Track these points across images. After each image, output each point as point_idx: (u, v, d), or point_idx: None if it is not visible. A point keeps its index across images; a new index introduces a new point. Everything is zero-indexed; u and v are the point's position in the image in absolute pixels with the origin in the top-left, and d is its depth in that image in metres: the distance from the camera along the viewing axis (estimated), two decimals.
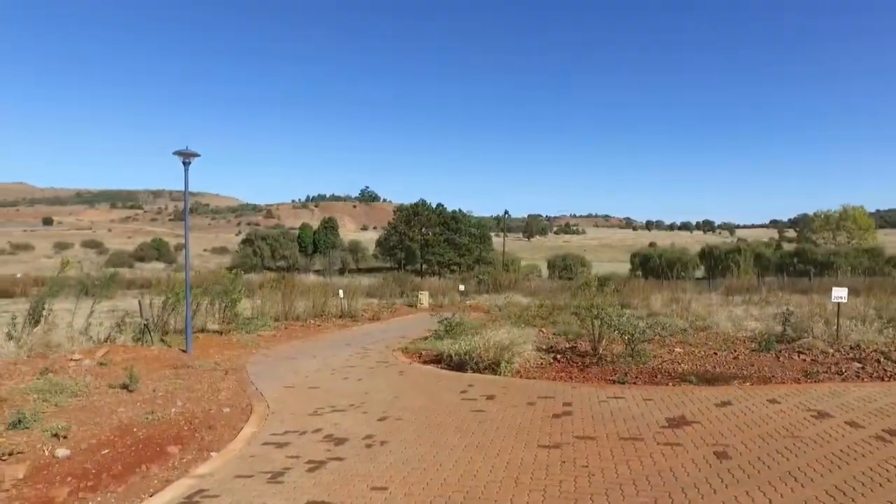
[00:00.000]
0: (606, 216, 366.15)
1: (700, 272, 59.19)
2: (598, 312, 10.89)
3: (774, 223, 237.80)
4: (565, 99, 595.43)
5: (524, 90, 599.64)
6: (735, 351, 11.41)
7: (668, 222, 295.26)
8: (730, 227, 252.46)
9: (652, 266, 59.42)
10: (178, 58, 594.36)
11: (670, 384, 8.64)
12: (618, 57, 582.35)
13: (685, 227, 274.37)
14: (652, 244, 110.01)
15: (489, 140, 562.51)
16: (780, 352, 10.96)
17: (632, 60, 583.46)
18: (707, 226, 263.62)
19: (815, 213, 76.99)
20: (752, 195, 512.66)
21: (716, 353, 11.26)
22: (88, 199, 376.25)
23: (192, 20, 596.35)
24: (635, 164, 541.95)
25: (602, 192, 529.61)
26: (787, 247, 72.09)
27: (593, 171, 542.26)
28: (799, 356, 10.50)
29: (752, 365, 9.93)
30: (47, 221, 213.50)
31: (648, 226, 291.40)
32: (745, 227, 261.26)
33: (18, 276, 49.71)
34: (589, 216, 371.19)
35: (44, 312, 11.87)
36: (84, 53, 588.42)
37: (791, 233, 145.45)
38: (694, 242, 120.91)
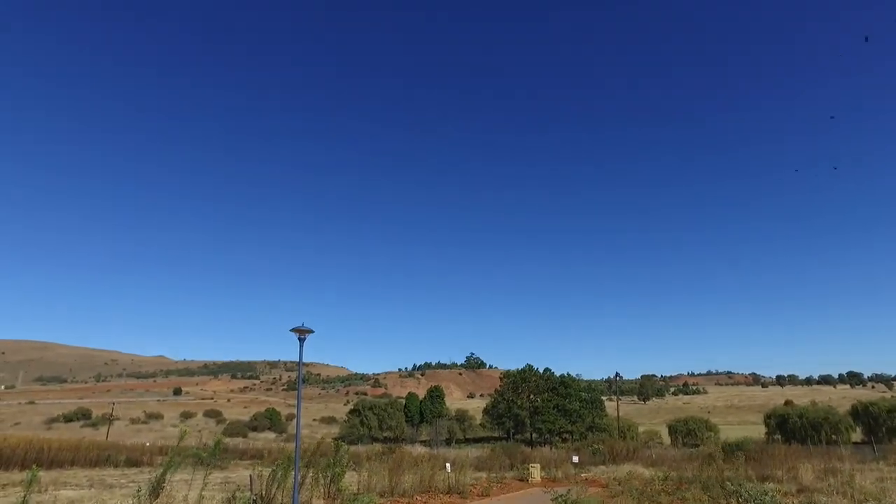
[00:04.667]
0: (729, 373, 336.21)
1: (857, 435, 51.03)
2: (734, 487, 9.50)
3: None
4: (672, 253, 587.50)
5: (627, 249, 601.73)
6: None
7: (802, 376, 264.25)
8: (885, 380, 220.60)
9: (792, 428, 52.19)
10: (292, 247, 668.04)
11: None
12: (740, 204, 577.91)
13: (826, 380, 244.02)
14: (788, 402, 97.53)
15: (595, 302, 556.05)
16: None
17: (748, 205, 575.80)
18: (854, 378, 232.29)
19: None
20: None
21: None
22: (214, 370, 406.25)
23: (296, 206, 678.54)
24: (757, 314, 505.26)
25: (721, 346, 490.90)
26: None
27: (709, 325, 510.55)
28: None
29: None
30: (177, 392, 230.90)
31: (780, 381, 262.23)
32: None
33: (147, 444, 53.25)
34: (709, 374, 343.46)
35: (164, 485, 12.42)
36: (205, 247, 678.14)
37: None
38: (841, 399, 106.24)
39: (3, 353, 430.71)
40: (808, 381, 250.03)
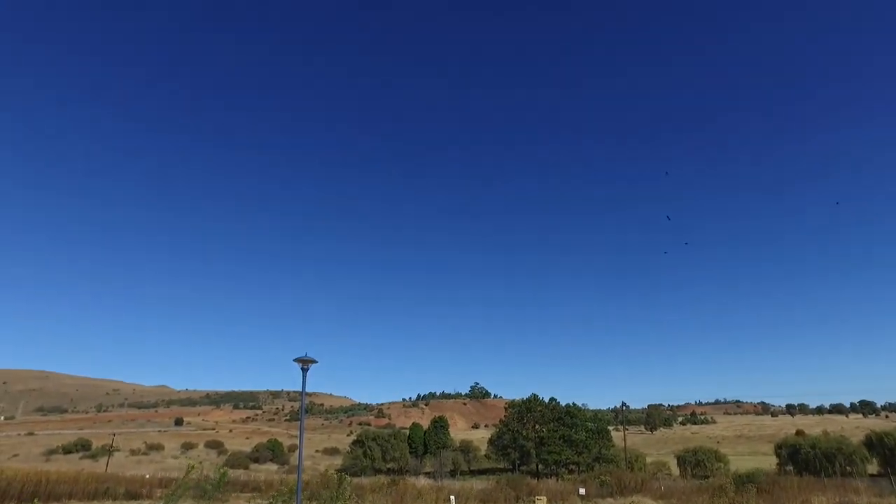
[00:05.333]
0: (737, 402, 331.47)
1: (872, 467, 49.72)
2: None
3: None
4: (677, 280, 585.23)
5: (630, 280, 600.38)
6: None
7: (813, 405, 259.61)
8: None
9: (804, 459, 50.97)
10: (297, 276, 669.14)
11: None
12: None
13: (837, 409, 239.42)
14: (799, 432, 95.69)
15: (600, 330, 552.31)
16: None
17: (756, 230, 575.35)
18: (867, 407, 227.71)
19: None
20: None
21: None
22: (216, 399, 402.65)
23: (303, 242, 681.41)
24: (765, 342, 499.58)
25: (730, 375, 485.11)
26: None
27: (717, 353, 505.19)
28: None
29: None
30: (178, 422, 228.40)
31: (790, 410, 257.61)
32: None
33: (147, 476, 52.36)
34: (717, 403, 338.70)
35: None
36: (212, 277, 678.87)
37: None
38: (854, 429, 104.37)
39: (5, 382, 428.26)
40: (819, 410, 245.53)
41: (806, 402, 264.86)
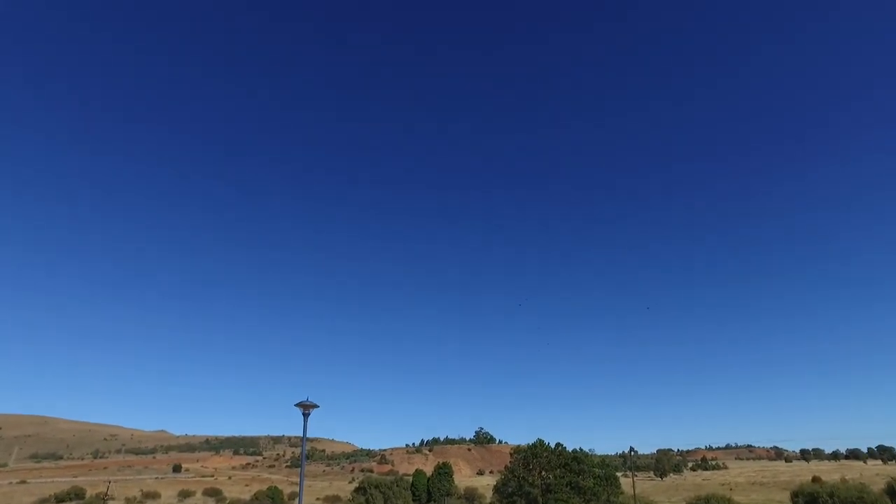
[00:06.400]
0: (749, 446, 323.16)
1: None
2: None
3: None
4: (686, 320, 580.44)
5: (637, 320, 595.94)
6: None
7: (828, 450, 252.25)
8: None
9: None
10: (297, 319, 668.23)
11: None
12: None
13: (854, 455, 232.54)
14: (816, 479, 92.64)
15: (607, 372, 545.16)
16: None
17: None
18: (886, 453, 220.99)
19: None
20: None
21: None
22: (216, 445, 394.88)
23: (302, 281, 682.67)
24: (777, 383, 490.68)
25: (740, 418, 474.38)
26: None
27: (727, 394, 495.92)
28: None
29: None
30: (176, 469, 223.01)
31: (804, 455, 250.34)
32: None
33: None
34: (728, 447, 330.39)
35: None
36: (210, 320, 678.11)
37: None
38: (873, 476, 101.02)
39: (1, 428, 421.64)
40: (835, 456, 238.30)
41: (821, 447, 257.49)
